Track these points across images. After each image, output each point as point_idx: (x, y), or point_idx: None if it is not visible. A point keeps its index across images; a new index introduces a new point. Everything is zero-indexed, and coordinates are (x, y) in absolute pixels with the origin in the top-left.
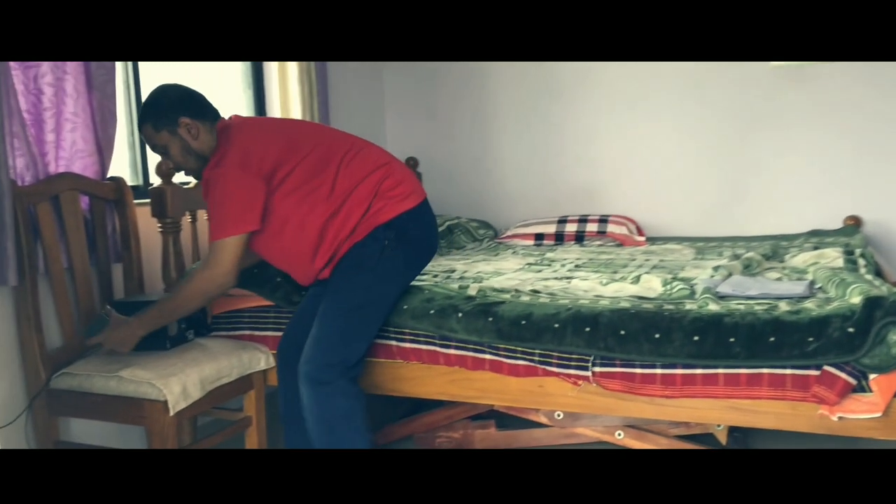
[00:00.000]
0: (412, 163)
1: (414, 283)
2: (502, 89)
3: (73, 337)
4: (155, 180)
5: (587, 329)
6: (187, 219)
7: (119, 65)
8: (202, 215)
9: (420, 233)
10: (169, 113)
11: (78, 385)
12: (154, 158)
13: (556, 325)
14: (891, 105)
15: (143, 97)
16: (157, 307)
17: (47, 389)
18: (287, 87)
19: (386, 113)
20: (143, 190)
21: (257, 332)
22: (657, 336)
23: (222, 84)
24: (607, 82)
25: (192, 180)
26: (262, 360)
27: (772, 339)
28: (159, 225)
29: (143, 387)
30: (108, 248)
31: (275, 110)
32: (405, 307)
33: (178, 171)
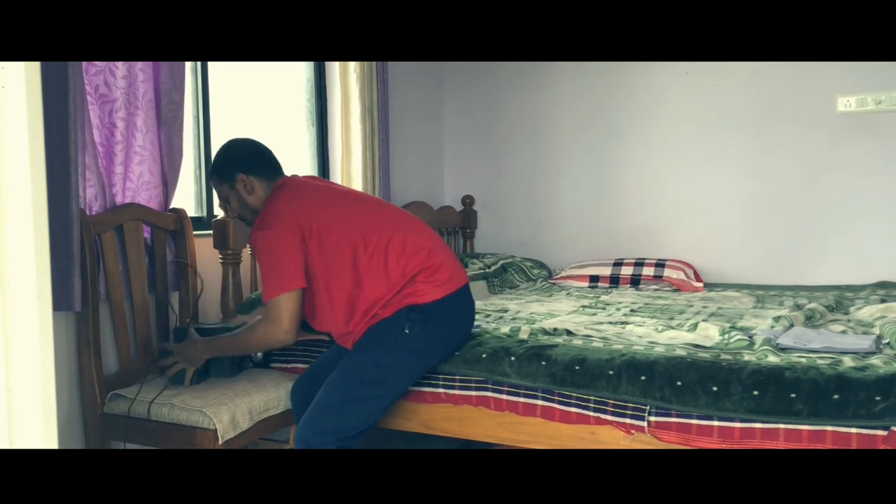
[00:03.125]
0: (468, 201)
1: None
2: (561, 128)
3: (130, 363)
4: (218, 213)
5: (642, 378)
6: (247, 250)
7: (188, 100)
8: None
9: (449, 319)
10: (229, 169)
11: (131, 411)
12: None
13: (611, 372)
14: None
15: (212, 133)
16: (225, 339)
17: (101, 414)
18: (349, 124)
19: (444, 151)
20: (206, 222)
21: (309, 366)
22: (715, 389)
23: (286, 120)
24: (668, 124)
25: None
26: None
27: (836, 396)
28: (220, 256)
29: (194, 415)
30: (166, 277)
31: (336, 149)
32: (456, 353)
33: (240, 219)
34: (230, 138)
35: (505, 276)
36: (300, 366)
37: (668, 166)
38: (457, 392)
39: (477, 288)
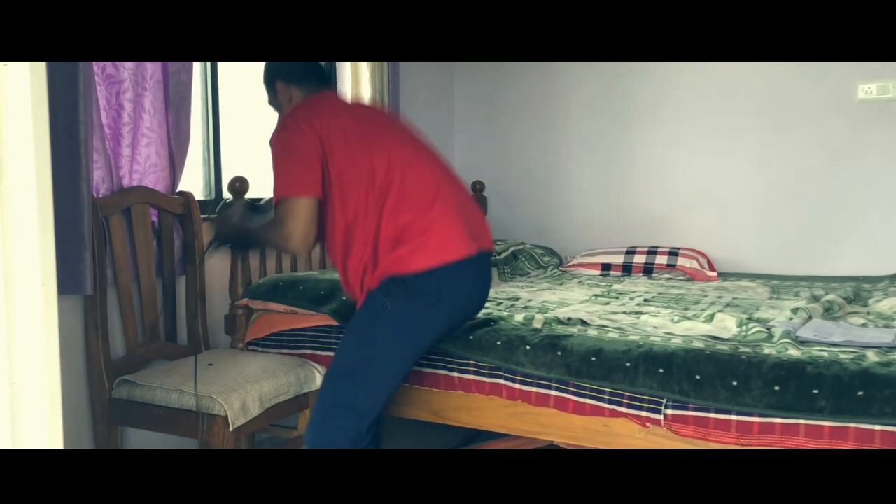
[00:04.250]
0: (478, 186)
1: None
2: (572, 114)
3: (137, 348)
4: (227, 196)
5: (660, 370)
6: None
7: (197, 82)
8: None
9: (445, 294)
10: (269, 77)
11: (140, 396)
12: (227, 175)
13: (628, 364)
14: None
15: (220, 115)
16: (257, 225)
17: (109, 399)
18: None
19: (454, 136)
20: (214, 206)
21: (318, 352)
22: (735, 383)
23: None
24: (681, 110)
25: (263, 196)
26: (317, 378)
27: (860, 392)
28: None
29: (204, 401)
30: (173, 261)
31: None
32: (471, 338)
33: None
34: None
35: (515, 263)
36: (309, 352)
37: (681, 153)
38: (470, 377)
39: None
